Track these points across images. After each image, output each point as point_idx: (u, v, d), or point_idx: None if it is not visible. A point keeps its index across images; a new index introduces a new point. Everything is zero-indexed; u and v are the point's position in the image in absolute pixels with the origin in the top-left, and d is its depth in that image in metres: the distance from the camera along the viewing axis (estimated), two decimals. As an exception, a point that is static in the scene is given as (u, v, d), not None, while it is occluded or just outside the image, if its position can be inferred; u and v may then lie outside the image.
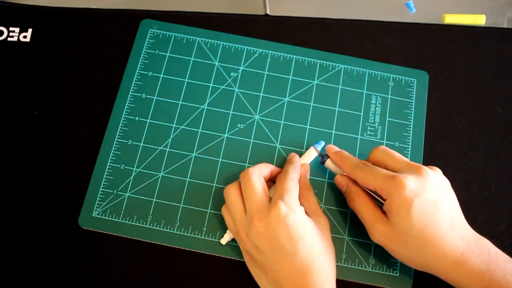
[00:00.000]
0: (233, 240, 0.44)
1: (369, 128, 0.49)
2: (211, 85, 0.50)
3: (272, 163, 0.46)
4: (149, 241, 0.44)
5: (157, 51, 0.51)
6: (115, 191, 0.46)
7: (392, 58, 0.51)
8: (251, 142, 0.48)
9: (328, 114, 0.49)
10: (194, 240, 0.44)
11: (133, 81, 0.49)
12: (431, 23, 0.54)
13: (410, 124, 0.49)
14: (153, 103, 0.49)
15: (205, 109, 0.49)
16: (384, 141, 0.48)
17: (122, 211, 0.45)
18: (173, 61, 0.50)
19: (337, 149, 0.45)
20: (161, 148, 0.47)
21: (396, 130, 0.49)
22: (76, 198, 0.46)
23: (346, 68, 0.51)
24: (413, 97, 0.50)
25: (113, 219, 0.45)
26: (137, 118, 0.48)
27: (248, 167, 0.44)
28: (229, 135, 0.48)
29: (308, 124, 0.48)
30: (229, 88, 0.50)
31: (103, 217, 0.45)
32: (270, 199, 0.40)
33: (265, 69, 0.50)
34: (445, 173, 0.41)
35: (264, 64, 0.51)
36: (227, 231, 0.44)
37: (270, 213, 0.38)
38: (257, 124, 0.48)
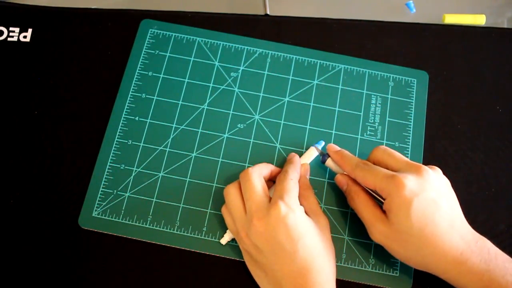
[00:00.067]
0: (233, 240, 0.44)
1: (369, 128, 0.49)
2: (211, 85, 0.50)
3: (272, 163, 0.46)
4: (149, 241, 0.44)
5: (157, 51, 0.51)
6: (115, 191, 0.46)
7: (392, 58, 0.51)
8: (251, 142, 0.48)
9: (328, 114, 0.49)
10: (194, 240, 0.44)
11: (133, 81, 0.49)
12: (431, 23, 0.54)
13: (410, 124, 0.49)
14: (153, 103, 0.49)
15: (205, 109, 0.49)
16: (384, 141, 0.48)
17: (122, 211, 0.45)
18: (173, 61, 0.50)
19: (338, 148, 0.45)
20: (161, 148, 0.47)
21: (396, 130, 0.49)
22: (76, 198, 0.46)
23: (346, 68, 0.51)
24: (413, 97, 0.50)
25: (113, 219, 0.45)
26: (137, 118, 0.48)
27: (248, 167, 0.44)
28: (229, 135, 0.48)
29: (308, 124, 0.48)
30: (229, 88, 0.50)
31: (103, 217, 0.45)
32: (270, 199, 0.40)
33: (265, 69, 0.50)
34: (445, 173, 0.41)
35: (264, 64, 0.51)
36: (227, 231, 0.44)
37: (270, 213, 0.38)
38: (257, 124, 0.48)
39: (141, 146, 0.47)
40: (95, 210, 0.45)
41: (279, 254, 0.38)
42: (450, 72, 0.52)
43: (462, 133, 0.49)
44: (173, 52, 0.51)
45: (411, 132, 0.49)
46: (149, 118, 0.48)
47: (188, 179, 0.46)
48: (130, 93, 0.49)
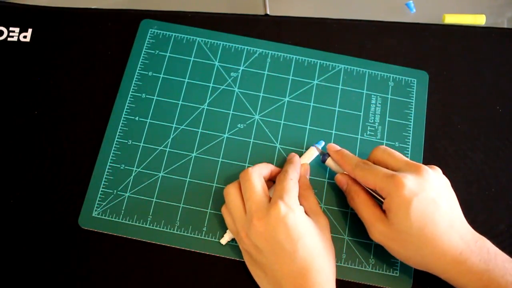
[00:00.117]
0: (233, 240, 0.44)
1: (369, 128, 0.49)
2: (211, 85, 0.50)
3: (272, 163, 0.46)
4: (149, 241, 0.44)
5: (157, 51, 0.51)
6: (115, 191, 0.46)
7: (392, 58, 0.51)
8: (251, 142, 0.48)
9: (328, 114, 0.49)
10: (194, 240, 0.44)
11: (133, 81, 0.49)
12: (431, 23, 0.54)
13: (410, 124, 0.49)
14: (153, 103, 0.49)
15: (205, 109, 0.49)
16: (384, 141, 0.48)
17: (122, 211, 0.45)
18: (173, 61, 0.50)
19: (338, 147, 0.45)
20: (161, 148, 0.47)
21: (396, 130, 0.49)
22: (76, 198, 0.46)
23: (346, 68, 0.51)
24: (413, 97, 0.50)
25: (113, 219, 0.45)
26: (137, 118, 0.48)
27: (248, 167, 0.44)
28: (229, 135, 0.48)
29: (308, 124, 0.48)
30: (229, 88, 0.50)
31: (103, 217, 0.45)
32: (270, 199, 0.40)
33: (265, 69, 0.50)
34: (445, 173, 0.41)
35: (264, 64, 0.51)
36: (227, 231, 0.44)
37: (269, 212, 0.38)
38: (257, 124, 0.48)
39: (141, 146, 0.47)
40: (95, 210, 0.45)
41: (279, 254, 0.38)
42: (450, 72, 0.52)
43: (462, 133, 0.49)
44: (173, 52, 0.51)
45: (411, 132, 0.49)
46: (149, 118, 0.48)
47: (188, 179, 0.46)
48: (130, 93, 0.49)
